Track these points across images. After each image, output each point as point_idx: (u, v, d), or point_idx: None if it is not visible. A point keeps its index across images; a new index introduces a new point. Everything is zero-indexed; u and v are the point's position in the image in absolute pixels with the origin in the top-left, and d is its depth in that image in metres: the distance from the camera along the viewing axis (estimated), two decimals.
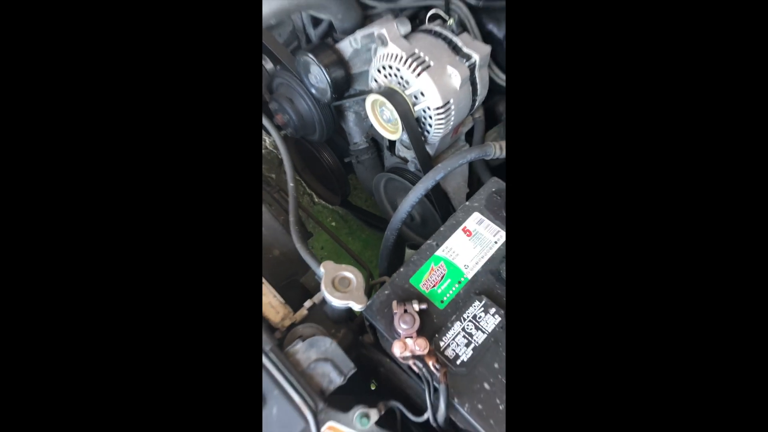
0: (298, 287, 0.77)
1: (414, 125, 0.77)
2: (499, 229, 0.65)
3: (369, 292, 0.76)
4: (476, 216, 0.66)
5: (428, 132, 0.79)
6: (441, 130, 0.78)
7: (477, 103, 0.81)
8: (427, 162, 0.82)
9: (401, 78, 0.75)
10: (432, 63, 0.73)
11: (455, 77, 0.72)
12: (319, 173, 1.28)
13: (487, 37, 0.81)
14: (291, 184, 0.76)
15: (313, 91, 0.90)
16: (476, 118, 0.87)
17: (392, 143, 0.92)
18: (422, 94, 0.74)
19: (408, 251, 0.79)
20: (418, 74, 0.72)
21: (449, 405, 0.52)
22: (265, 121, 0.82)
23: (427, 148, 0.84)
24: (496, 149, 0.72)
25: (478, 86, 0.78)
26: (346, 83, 0.87)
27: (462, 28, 0.78)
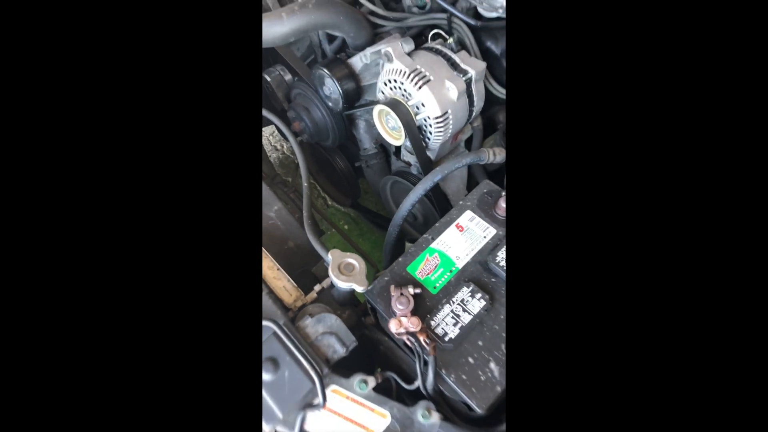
0: (310, 276, 0.86)
1: (416, 133, 0.86)
2: (488, 225, 0.73)
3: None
4: (469, 214, 0.74)
5: (429, 139, 0.87)
6: (440, 137, 0.86)
7: (474, 113, 0.89)
8: (428, 166, 0.90)
9: (404, 90, 0.84)
10: (432, 77, 0.81)
11: (452, 90, 0.80)
12: (332, 177, 1.37)
13: (485, 53, 0.89)
14: (305, 184, 0.85)
15: (328, 101, 1.00)
16: (475, 127, 0.96)
17: (398, 149, 1.01)
18: (423, 105, 0.83)
19: (408, 245, 0.87)
20: (419, 87, 0.81)
21: (437, 375, 0.60)
22: (283, 128, 0.92)
23: (429, 154, 0.92)
24: (490, 155, 0.80)
25: (475, 98, 0.86)
26: (356, 94, 0.96)
27: (461, 46, 0.86)
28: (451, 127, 0.85)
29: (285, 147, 1.86)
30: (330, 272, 0.65)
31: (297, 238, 0.85)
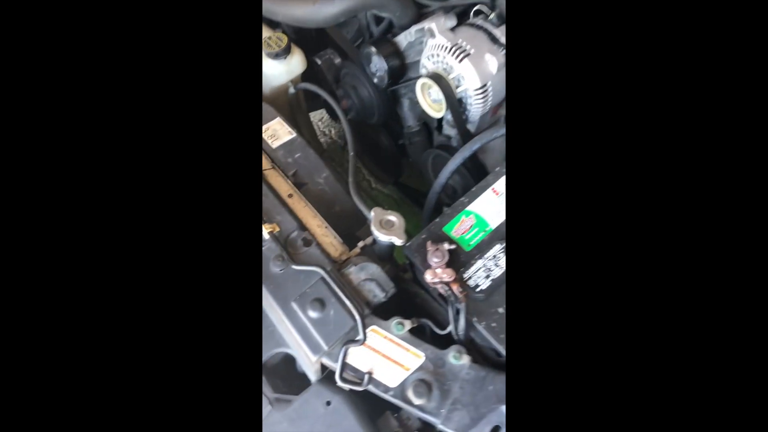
0: (355, 238, 0.93)
1: (456, 105, 0.90)
2: None
3: None
4: (505, 179, 0.78)
5: (469, 111, 0.91)
6: (480, 109, 0.90)
7: None
8: (468, 138, 0.94)
9: (446, 64, 0.89)
10: (472, 51, 0.85)
11: (492, 63, 0.84)
12: (375, 156, 1.44)
13: None
14: (351, 153, 0.92)
15: (374, 78, 1.06)
16: None
17: (440, 123, 1.06)
18: (463, 77, 0.87)
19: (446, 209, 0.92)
20: (460, 60, 0.85)
21: (468, 322, 0.64)
22: (334, 105, 0.99)
23: (469, 127, 0.96)
24: None
25: None
26: (401, 71, 1.01)
27: (502, 21, 0.89)
28: (490, 99, 0.89)
29: (333, 132, 1.95)
30: (372, 227, 0.71)
31: (343, 204, 0.92)
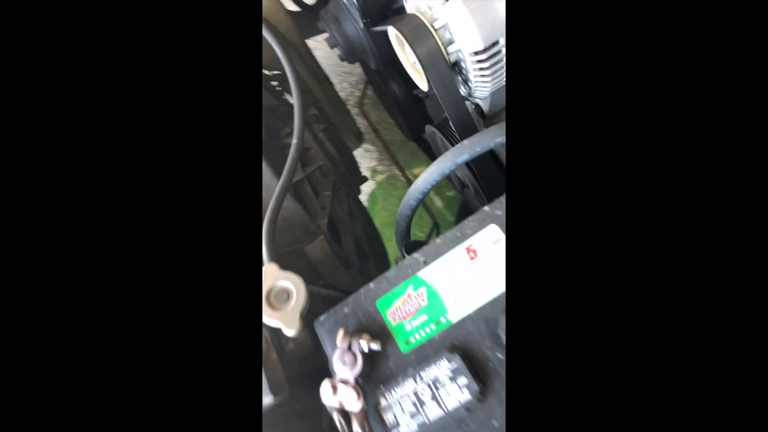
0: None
1: (441, 70, 0.53)
2: None
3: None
4: (493, 231, 0.45)
5: (471, 83, 0.54)
6: (487, 84, 0.53)
7: None
8: (468, 125, 0.58)
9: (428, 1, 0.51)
10: None
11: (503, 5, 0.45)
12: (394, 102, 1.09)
13: None
14: (295, 141, 0.62)
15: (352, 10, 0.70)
16: None
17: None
18: (455, 29, 0.49)
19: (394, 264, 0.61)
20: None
21: None
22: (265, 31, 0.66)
23: (481, 103, 0.59)
24: None
25: None
26: (385, 2, 0.64)
27: None
28: (505, 66, 0.51)
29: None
30: None
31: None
